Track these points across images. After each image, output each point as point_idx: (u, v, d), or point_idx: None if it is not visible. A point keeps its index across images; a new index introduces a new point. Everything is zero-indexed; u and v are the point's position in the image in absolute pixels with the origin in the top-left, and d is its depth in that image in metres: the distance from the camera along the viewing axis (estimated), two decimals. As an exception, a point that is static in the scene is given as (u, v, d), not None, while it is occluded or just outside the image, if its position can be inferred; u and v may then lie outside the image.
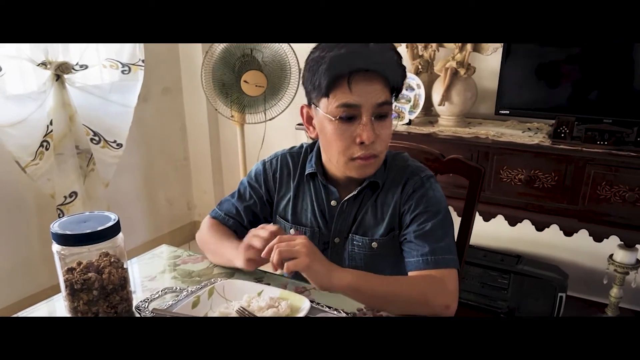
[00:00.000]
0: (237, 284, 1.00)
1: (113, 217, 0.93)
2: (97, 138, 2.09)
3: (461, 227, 1.20)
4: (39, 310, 0.98)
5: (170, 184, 2.74)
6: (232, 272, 1.09)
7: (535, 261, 1.92)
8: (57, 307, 0.99)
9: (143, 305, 0.95)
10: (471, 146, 1.68)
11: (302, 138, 2.38)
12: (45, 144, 1.93)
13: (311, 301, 0.94)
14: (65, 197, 1.98)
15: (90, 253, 0.90)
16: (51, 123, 1.91)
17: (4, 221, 1.99)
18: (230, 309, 0.92)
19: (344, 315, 0.91)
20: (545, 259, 2.01)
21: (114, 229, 0.91)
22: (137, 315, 0.92)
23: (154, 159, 2.63)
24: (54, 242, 0.88)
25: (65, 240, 0.87)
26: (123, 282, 0.92)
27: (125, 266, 0.95)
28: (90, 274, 0.88)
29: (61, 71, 1.90)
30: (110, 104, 2.12)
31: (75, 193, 2.00)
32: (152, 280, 1.07)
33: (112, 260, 0.93)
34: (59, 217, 2.00)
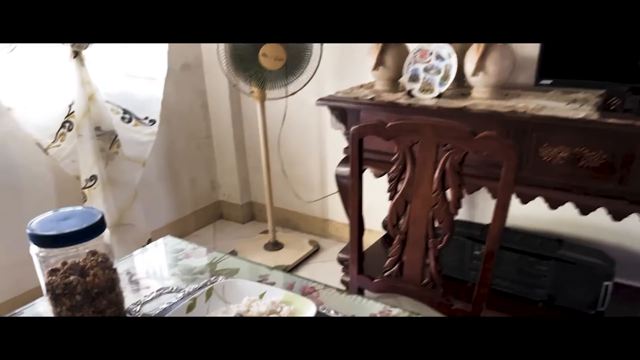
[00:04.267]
0: (238, 285, 0.90)
1: (97, 214, 0.84)
2: (127, 116, 2.02)
3: (496, 212, 1.06)
4: (35, 308, 0.91)
5: (193, 163, 2.67)
6: (236, 269, 1.00)
7: (578, 246, 1.75)
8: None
9: (134, 309, 0.87)
10: (508, 121, 1.52)
11: (325, 114, 2.26)
12: (67, 124, 1.88)
13: (318, 305, 0.84)
14: (86, 180, 1.94)
15: (77, 252, 0.82)
16: (73, 103, 1.86)
17: (18, 207, 1.96)
18: (228, 314, 0.83)
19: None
20: (589, 243, 1.84)
21: (98, 227, 0.82)
22: (128, 316, 0.84)
23: (176, 138, 2.56)
24: (31, 243, 0.80)
25: (43, 241, 0.79)
26: (110, 285, 0.84)
27: (114, 266, 0.87)
28: (72, 278, 0.80)
29: (78, 47, 1.82)
30: (137, 79, 2.03)
31: (95, 177, 1.95)
32: (150, 278, 0.99)
33: (100, 259, 0.85)
34: (84, 201, 1.98)
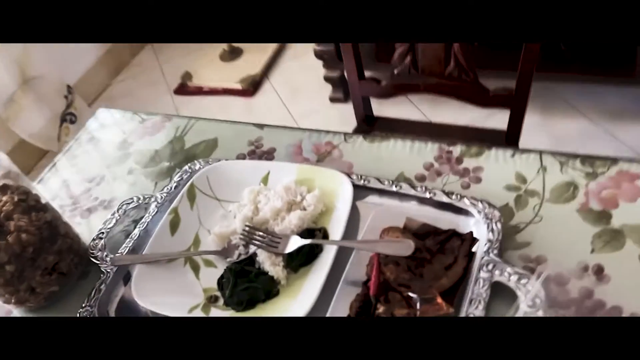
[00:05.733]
0: (226, 170, 0.63)
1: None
2: None
3: None
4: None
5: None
6: (213, 138, 0.71)
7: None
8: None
9: (99, 245, 0.60)
10: None
11: None
12: None
13: (349, 174, 0.58)
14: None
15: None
16: None
17: None
18: (229, 223, 0.58)
19: (394, 189, 0.56)
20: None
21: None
22: (94, 262, 0.59)
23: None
24: None
25: None
26: (49, 232, 0.57)
27: (42, 200, 0.58)
28: (-15, 245, 0.52)
29: None
30: None
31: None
32: (100, 185, 0.70)
33: (17, 198, 0.56)
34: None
